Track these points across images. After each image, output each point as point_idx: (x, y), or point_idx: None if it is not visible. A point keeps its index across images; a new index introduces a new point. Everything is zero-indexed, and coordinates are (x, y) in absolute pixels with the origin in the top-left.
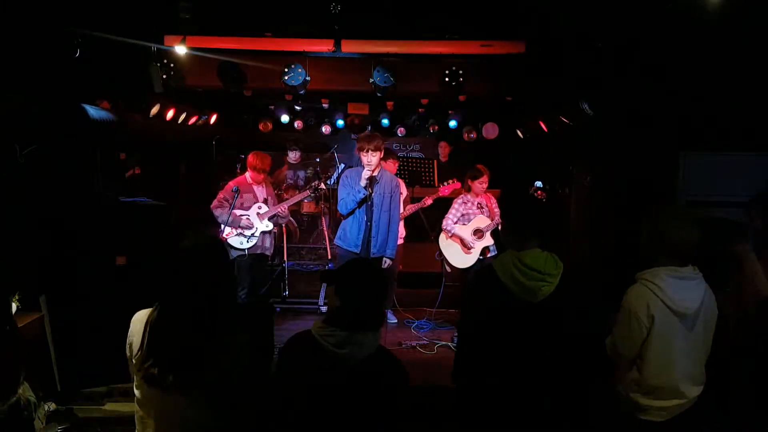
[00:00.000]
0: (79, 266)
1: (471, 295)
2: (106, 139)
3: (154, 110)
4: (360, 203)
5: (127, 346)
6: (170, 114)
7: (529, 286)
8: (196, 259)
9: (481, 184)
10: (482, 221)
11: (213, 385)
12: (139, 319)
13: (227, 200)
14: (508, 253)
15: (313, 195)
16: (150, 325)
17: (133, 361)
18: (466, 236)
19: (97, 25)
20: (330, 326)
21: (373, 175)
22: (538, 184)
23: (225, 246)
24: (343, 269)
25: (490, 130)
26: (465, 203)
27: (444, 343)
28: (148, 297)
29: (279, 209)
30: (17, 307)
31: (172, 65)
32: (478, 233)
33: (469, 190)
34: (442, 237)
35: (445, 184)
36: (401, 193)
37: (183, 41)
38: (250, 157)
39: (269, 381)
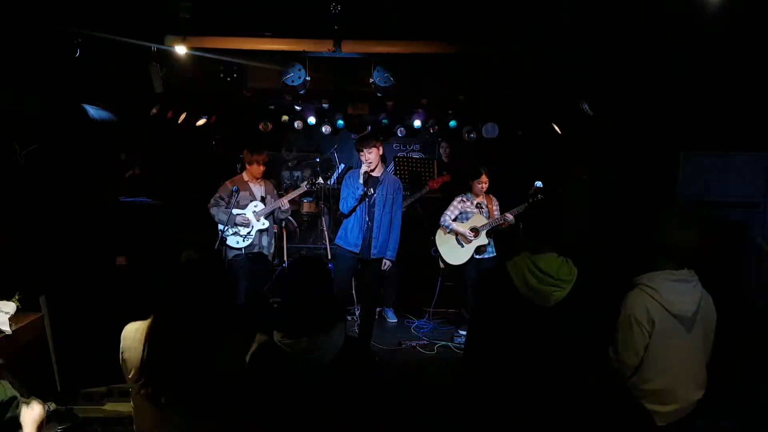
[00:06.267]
0: (79, 266)
1: (482, 294)
2: (106, 139)
3: (154, 110)
4: (360, 200)
5: (121, 360)
6: (170, 114)
7: (540, 290)
8: (192, 273)
9: (479, 184)
10: (479, 220)
11: (209, 396)
12: (134, 330)
13: (223, 198)
14: (522, 255)
15: (311, 188)
16: (149, 338)
17: (129, 374)
18: (464, 232)
19: (97, 25)
20: (294, 336)
21: (375, 175)
22: (538, 184)
23: (221, 257)
24: (283, 276)
25: (490, 130)
26: (464, 202)
27: (444, 343)
28: (147, 297)
29: (279, 203)
30: (17, 307)
31: (172, 65)
32: (474, 231)
33: (469, 189)
34: (439, 233)
35: (435, 177)
36: None
37: (183, 41)
38: (247, 153)
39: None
